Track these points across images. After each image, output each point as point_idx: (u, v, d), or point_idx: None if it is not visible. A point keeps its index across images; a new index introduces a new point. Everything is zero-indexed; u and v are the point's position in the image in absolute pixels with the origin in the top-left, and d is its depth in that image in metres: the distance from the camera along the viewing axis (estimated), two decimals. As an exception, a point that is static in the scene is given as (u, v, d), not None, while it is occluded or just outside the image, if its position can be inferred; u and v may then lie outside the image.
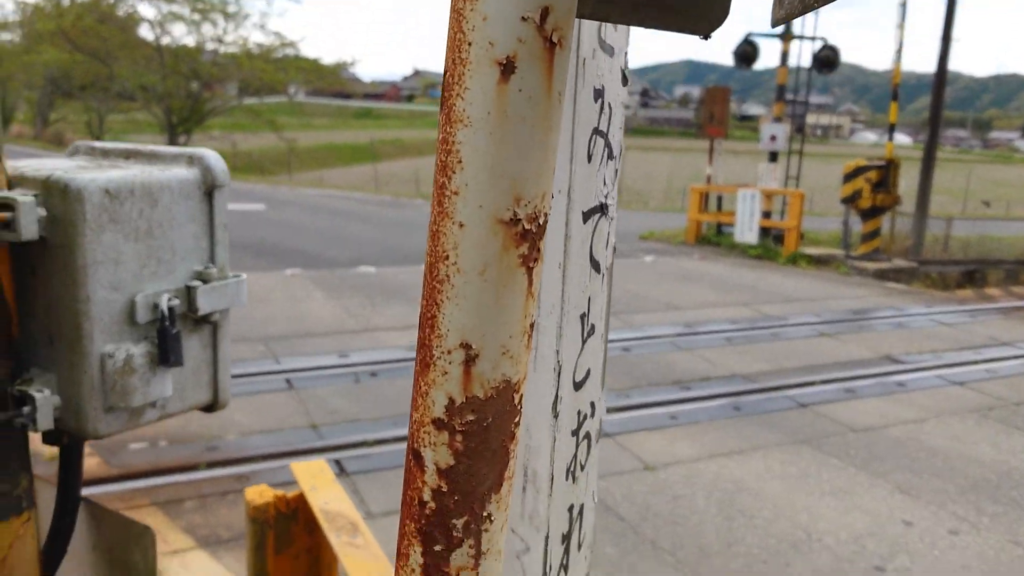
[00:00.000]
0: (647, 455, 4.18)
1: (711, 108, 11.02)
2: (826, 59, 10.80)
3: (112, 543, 1.11)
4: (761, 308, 7.54)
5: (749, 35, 10.76)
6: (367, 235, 11.49)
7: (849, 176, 10.08)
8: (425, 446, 0.43)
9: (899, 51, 9.42)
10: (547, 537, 0.70)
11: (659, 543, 3.31)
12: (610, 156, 0.72)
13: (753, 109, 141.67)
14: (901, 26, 9.47)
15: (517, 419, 0.44)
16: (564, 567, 0.74)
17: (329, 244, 10.31)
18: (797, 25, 11.11)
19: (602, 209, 0.71)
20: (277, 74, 25.73)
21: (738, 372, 5.61)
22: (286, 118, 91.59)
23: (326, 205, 15.57)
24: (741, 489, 3.84)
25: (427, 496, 0.43)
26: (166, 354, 0.97)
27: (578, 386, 0.71)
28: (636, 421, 4.63)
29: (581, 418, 0.72)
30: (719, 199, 11.70)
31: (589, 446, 0.76)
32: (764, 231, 11.03)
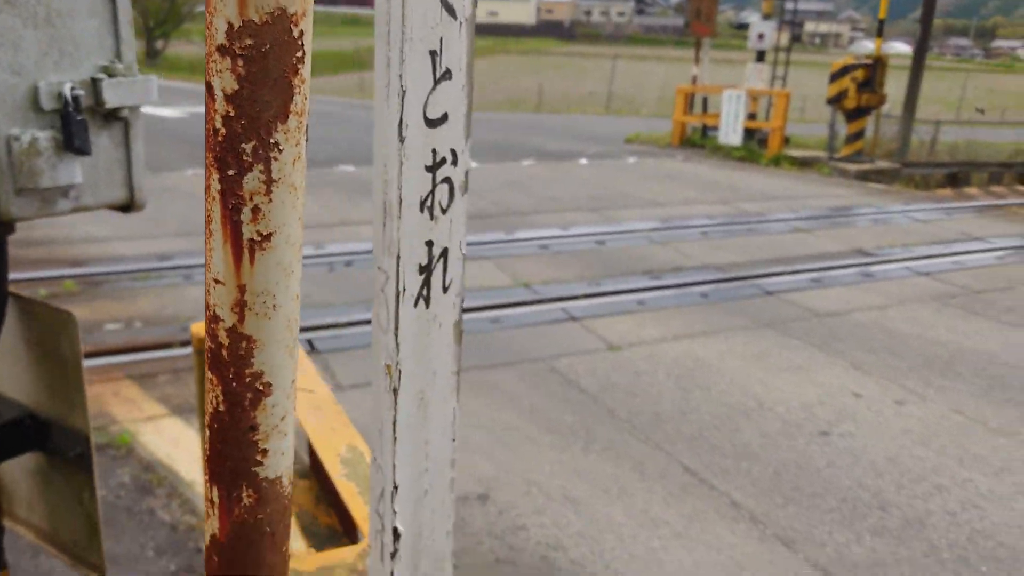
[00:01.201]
0: (613, 337, 4.29)
1: (698, 4, 10.75)
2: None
3: (41, 334, 1.17)
4: (740, 205, 7.58)
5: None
6: (348, 137, 11.38)
7: (836, 75, 9.95)
8: (213, 75, 0.48)
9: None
10: (398, 259, 0.76)
11: (617, 412, 3.44)
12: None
13: (752, 18, 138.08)
14: (895, -84, 9.17)
15: (299, 53, 0.49)
16: (425, 299, 0.80)
17: (309, 144, 10.22)
18: (790, -83, 10.74)
19: (455, -47, 0.74)
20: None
21: (710, 263, 5.69)
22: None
23: (311, 108, 15.31)
24: (701, 366, 3.98)
25: (219, 124, 0.48)
26: (70, 138, 1.01)
27: (432, 123, 0.75)
28: (605, 307, 4.73)
29: (437, 159, 0.77)
30: (704, 101, 11.56)
31: (451, 192, 0.81)
32: (749, 133, 10.95)
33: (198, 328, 1.75)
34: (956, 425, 3.46)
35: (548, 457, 3.05)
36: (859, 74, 9.72)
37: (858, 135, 10.11)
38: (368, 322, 4.28)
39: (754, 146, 10.78)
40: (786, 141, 11.89)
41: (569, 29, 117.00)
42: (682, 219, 6.87)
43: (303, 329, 4.11)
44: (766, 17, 10.83)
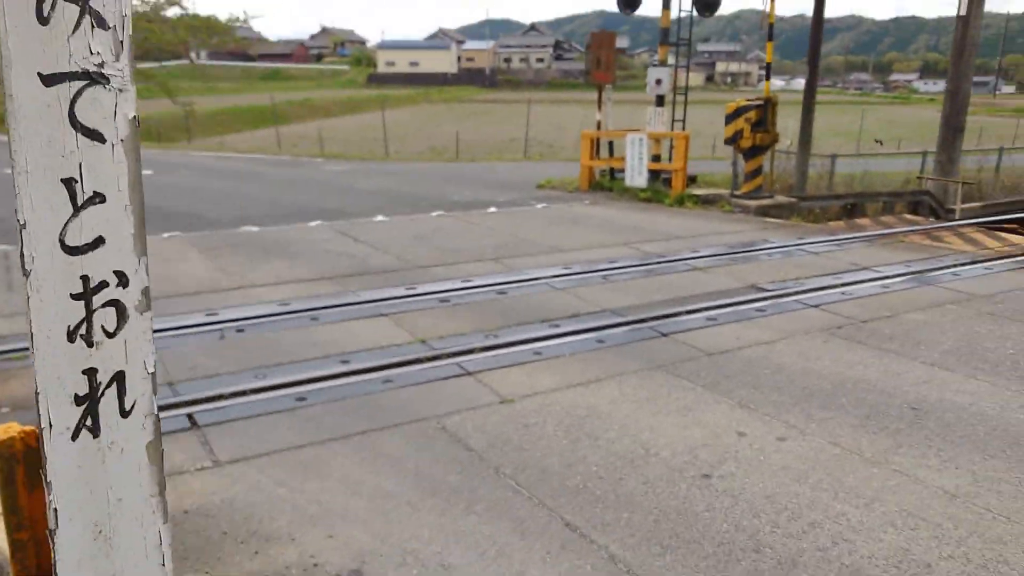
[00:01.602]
0: (506, 389, 4.29)
1: (597, 53, 11.09)
2: (707, 2, 10.98)
3: None
4: (642, 247, 7.74)
5: (631, -23, 10.84)
6: (257, 194, 11.23)
7: (731, 117, 10.35)
8: None
9: (771, -8, 9.65)
10: (38, 395, 0.73)
11: (502, 468, 3.42)
12: (101, 26, 0.73)
13: (667, 59, 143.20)
14: (772, -33, 9.71)
15: None
16: (90, 429, 0.77)
17: (215, 205, 10.04)
18: (680, -32, 11.23)
19: (91, 78, 0.73)
20: (164, 34, 24.62)
21: (608, 307, 5.77)
22: (188, 82, 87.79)
23: (220, 167, 15.10)
24: (592, 414, 3.99)
25: None
26: None
27: (76, 250, 0.73)
28: (501, 359, 4.73)
29: (92, 284, 0.75)
30: (610, 144, 11.86)
31: (121, 314, 0.79)
32: (654, 174, 11.26)
33: (-3, 430, 1.66)
34: (833, 458, 3.55)
35: (428, 522, 3.00)
36: (752, 115, 10.14)
37: (756, 172, 10.51)
38: (255, 391, 4.18)
39: (660, 187, 11.08)
40: (692, 180, 12.27)
41: (490, 76, 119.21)
42: (584, 264, 6.97)
43: (185, 404, 3.98)
44: (662, 63, 11.24)
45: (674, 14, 11.22)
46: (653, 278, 6.61)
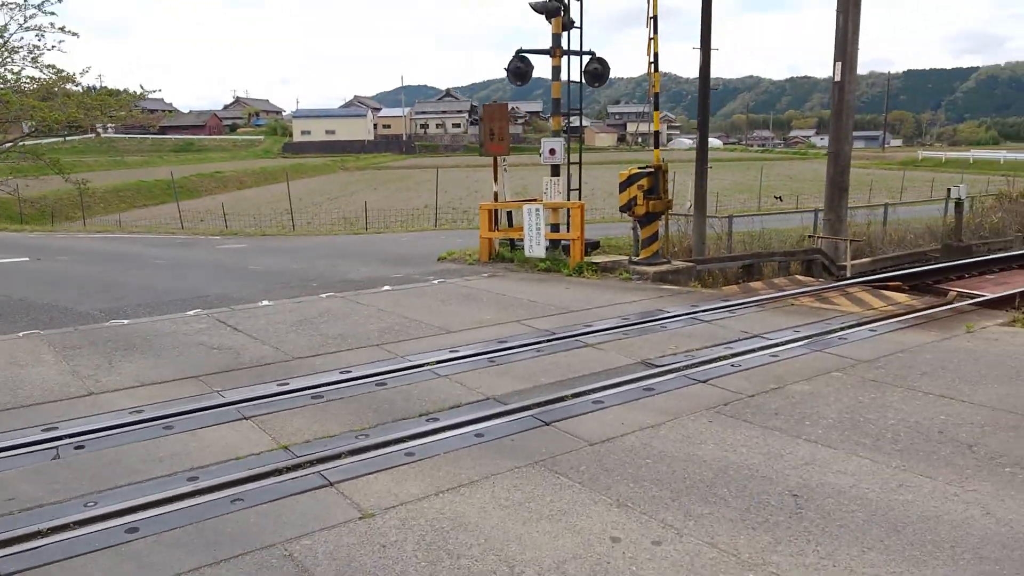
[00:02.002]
0: (369, 501, 3.93)
1: (490, 125, 11.09)
2: (595, 72, 11.17)
3: None
4: (534, 323, 7.55)
5: (520, 51, 10.93)
6: (137, 281, 10.63)
7: (623, 185, 10.43)
8: None
9: (654, 62, 9.86)
10: None
11: (348, 605, 3.06)
12: None
13: (577, 121, 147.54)
14: (654, 39, 9.95)
15: None
16: None
17: (87, 296, 9.41)
18: (581, 38, 11.42)
19: None
20: (54, 111, 23.72)
21: (491, 395, 5.50)
22: (94, 157, 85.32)
23: (106, 250, 14.36)
24: (458, 526, 3.68)
25: None
26: None
27: None
28: (369, 464, 4.38)
29: None
30: (509, 215, 11.79)
31: None
32: (554, 243, 11.21)
33: None
34: (709, 563, 3.32)
35: None
36: (644, 182, 10.24)
37: (653, 238, 10.57)
38: (81, 523, 3.70)
39: (560, 256, 11.02)
40: (596, 246, 12.29)
41: (407, 142, 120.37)
42: (472, 345, 6.71)
43: (-10, 546, 3.47)
44: (555, 133, 11.31)
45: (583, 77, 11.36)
46: (543, 358, 6.40)
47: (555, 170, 11.26)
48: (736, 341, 6.91)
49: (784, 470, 4.23)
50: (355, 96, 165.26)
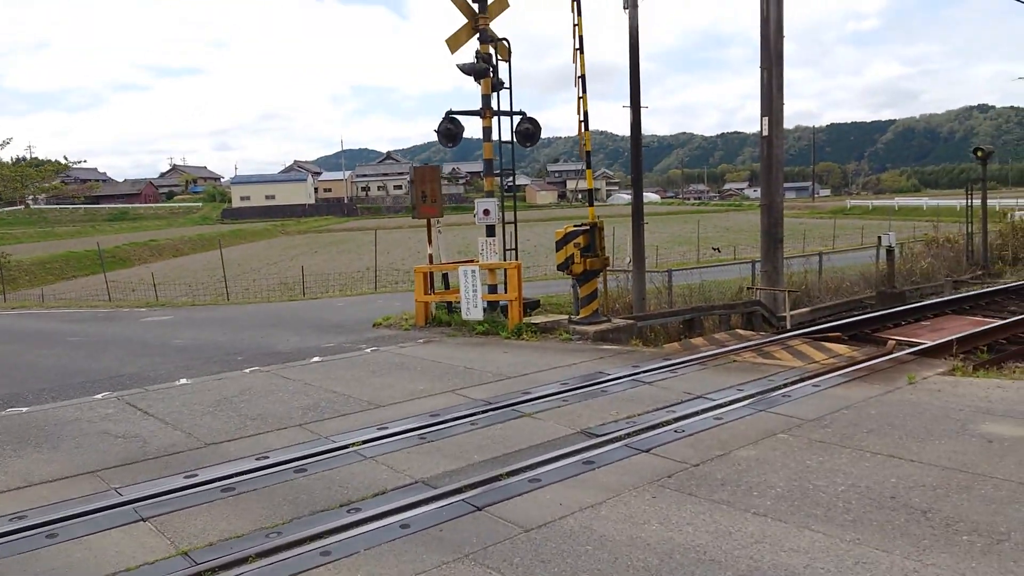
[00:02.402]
0: (275, 615, 3.47)
1: (422, 187, 10.86)
2: (526, 132, 11.08)
3: None
4: (470, 393, 7.18)
5: (450, 113, 10.79)
6: (46, 362, 9.92)
7: (560, 243, 10.24)
8: None
9: (584, 120, 9.82)
10: None
11: None
12: None
13: (520, 180, 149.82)
14: (583, 98, 9.94)
15: None
16: None
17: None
18: (511, 98, 11.34)
19: None
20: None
21: (420, 477, 5.09)
22: (23, 228, 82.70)
23: (16, 328, 13.51)
24: (376, 641, 3.24)
25: None
26: None
27: None
28: (278, 569, 3.91)
29: None
30: (445, 277, 11.49)
31: None
32: (492, 305, 10.92)
33: None
34: (655, 672, 2.95)
35: None
36: (580, 240, 10.07)
37: (591, 296, 10.36)
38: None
39: (498, 317, 10.73)
40: (536, 305, 12.04)
41: (349, 205, 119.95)
42: (402, 421, 6.30)
43: None
44: (488, 194, 11.13)
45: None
46: (477, 432, 6.02)
47: (490, 230, 11.05)
48: (679, 403, 6.65)
49: (733, 550, 3.92)
50: (295, 161, 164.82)
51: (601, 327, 10.08)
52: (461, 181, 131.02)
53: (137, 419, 6.63)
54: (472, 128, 11.33)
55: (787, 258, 18.67)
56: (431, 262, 11.18)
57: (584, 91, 9.93)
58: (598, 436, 5.82)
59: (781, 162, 13.08)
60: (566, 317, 10.87)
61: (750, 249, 35.60)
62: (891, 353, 8.47)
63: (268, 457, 5.52)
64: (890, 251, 14.75)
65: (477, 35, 10.81)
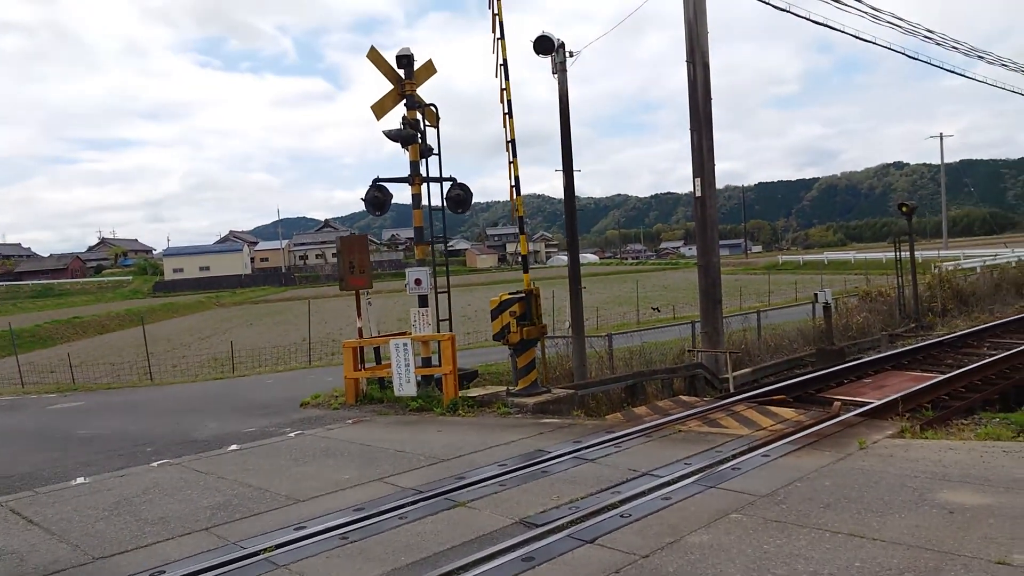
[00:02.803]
0: None
1: (349, 258, 10.38)
2: (457, 198, 10.77)
3: None
4: (400, 480, 6.61)
5: (377, 180, 10.42)
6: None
7: (496, 312, 9.84)
8: None
9: (515, 185, 9.56)
10: None
11: None
12: None
13: (460, 244, 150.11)
14: (513, 162, 9.70)
15: None
16: None
17: None
18: (440, 164, 11.01)
19: None
20: None
21: (339, 589, 4.49)
22: (-72, 308, 77.92)
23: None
24: None
25: None
26: None
27: None
28: None
29: None
30: (377, 351, 10.92)
31: None
32: (428, 379, 10.39)
33: None
34: None
35: None
36: (516, 308, 9.70)
37: (530, 367, 9.94)
38: None
39: (433, 392, 10.19)
40: (474, 376, 11.55)
41: (287, 274, 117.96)
42: (323, 517, 5.68)
43: None
44: (420, 262, 10.71)
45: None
46: (406, 528, 5.44)
47: (423, 300, 10.58)
48: (624, 483, 6.20)
49: (692, 666, 3.44)
50: (230, 231, 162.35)
51: (541, 399, 9.63)
52: (401, 247, 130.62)
53: (19, 530, 5.85)
54: (404, 195, 10.98)
55: (726, 316, 18.66)
56: (361, 336, 10.62)
57: (514, 156, 9.70)
58: (539, 526, 5.31)
59: (715, 222, 13.05)
60: (505, 389, 10.40)
61: (688, 307, 35.83)
62: (838, 415, 8.23)
63: (163, 572, 4.84)
64: (827, 307, 14.83)
65: (404, 101, 10.55)
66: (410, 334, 10.51)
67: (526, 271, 10.15)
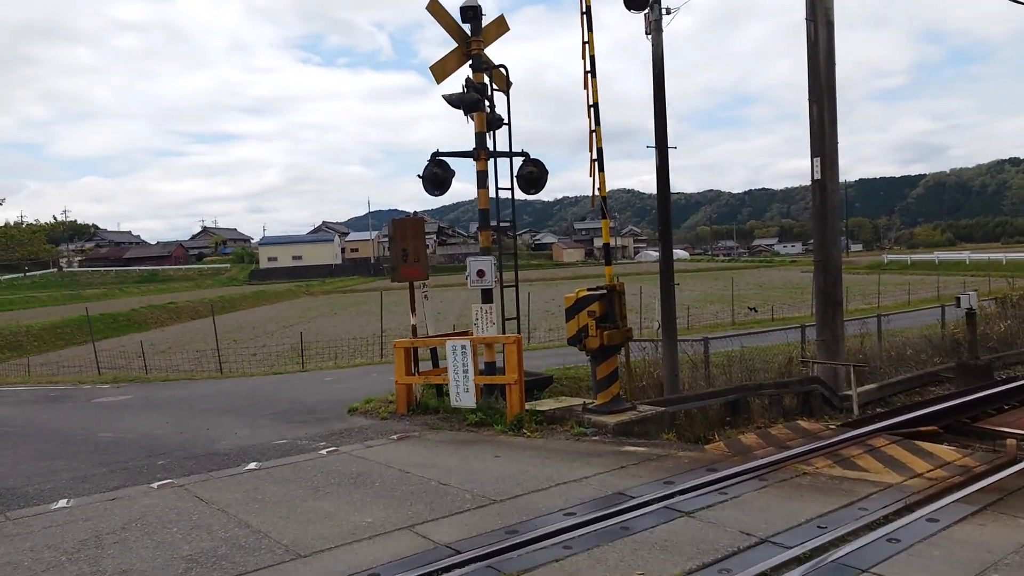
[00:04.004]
0: None
1: (403, 244, 8.93)
2: (530, 176, 9.19)
3: None
4: (434, 531, 5.08)
5: (436, 154, 8.93)
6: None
7: (571, 311, 8.22)
8: None
9: (597, 160, 7.91)
10: None
11: None
12: None
13: (547, 238, 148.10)
14: (596, 131, 8.03)
15: None
16: None
17: None
18: (510, 136, 9.45)
19: None
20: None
21: None
22: (50, 292, 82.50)
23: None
24: None
25: None
26: None
27: None
28: None
29: None
30: (434, 353, 9.46)
31: None
32: (491, 388, 8.86)
33: None
34: None
35: None
36: (596, 307, 8.04)
37: (611, 378, 8.26)
38: None
39: (497, 404, 8.64)
40: (548, 383, 9.99)
41: (375, 265, 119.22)
42: (322, 589, 4.21)
43: None
44: (484, 251, 9.16)
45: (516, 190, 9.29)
46: (426, 614, 3.90)
47: (486, 295, 9.05)
48: (734, 555, 4.48)
49: None
50: (323, 222, 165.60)
51: (623, 418, 7.95)
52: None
53: (-47, 576, 4.61)
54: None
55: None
56: (414, 335, 9.20)
57: (597, 122, 8.05)
58: (613, 626, 3.67)
59: (837, 209, 11.01)
60: (581, 403, 8.76)
61: (788, 308, 33.10)
62: (1017, 459, 6.23)
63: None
64: (971, 314, 12.45)
65: (469, 62, 9.03)
66: (471, 334, 9.01)
67: (608, 263, 8.44)
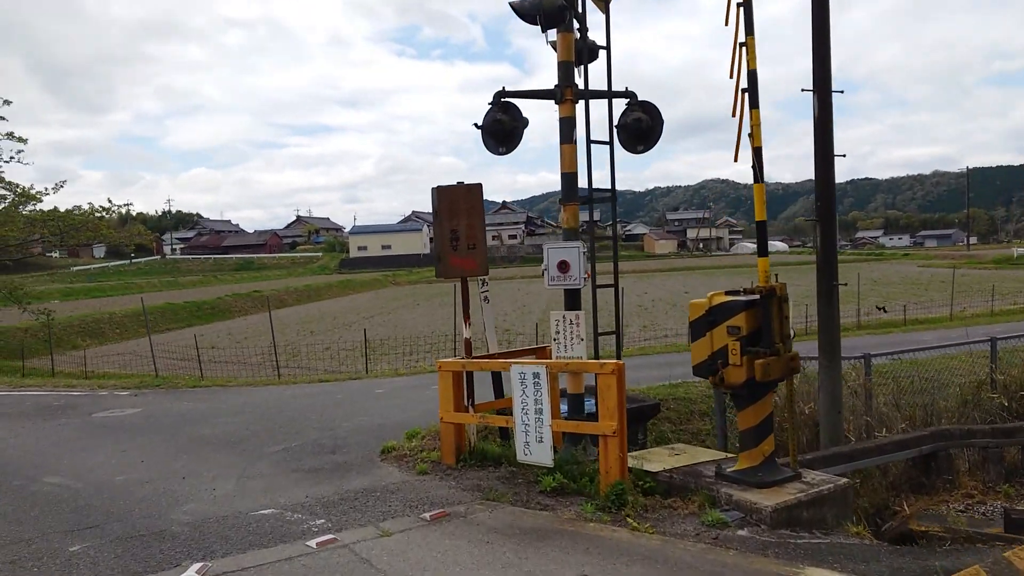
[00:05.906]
0: None
1: (451, 224, 6.17)
2: (637, 126, 6.32)
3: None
4: None
5: (501, 94, 6.18)
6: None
7: (699, 325, 5.32)
8: None
9: (748, 89, 5.00)
10: None
11: None
12: None
13: (638, 229, 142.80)
14: (747, 43, 5.12)
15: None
16: None
17: None
18: (610, 69, 6.55)
19: None
20: (23, 230, 20.41)
21: None
22: (148, 279, 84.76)
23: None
24: None
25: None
26: None
27: None
28: None
29: None
30: (496, 380, 6.70)
31: None
32: (574, 438, 6.05)
33: None
34: None
35: None
36: (740, 322, 5.11)
37: (761, 431, 5.31)
38: None
39: (582, 456, 5.83)
40: (655, 411, 7.16)
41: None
42: None
43: None
44: (569, 232, 6.30)
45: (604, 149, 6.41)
46: None
47: (571, 298, 6.24)
48: None
49: None
50: (413, 211, 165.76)
51: (786, 497, 5.01)
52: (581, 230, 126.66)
53: None
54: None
55: (992, 324, 12.75)
56: (468, 352, 6.45)
57: (750, 30, 5.10)
58: None
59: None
60: (709, 459, 5.85)
61: (919, 308, 28.81)
62: None
63: None
64: None
65: (551, -39, 6.25)
66: (549, 354, 6.23)
67: (763, 254, 5.40)
